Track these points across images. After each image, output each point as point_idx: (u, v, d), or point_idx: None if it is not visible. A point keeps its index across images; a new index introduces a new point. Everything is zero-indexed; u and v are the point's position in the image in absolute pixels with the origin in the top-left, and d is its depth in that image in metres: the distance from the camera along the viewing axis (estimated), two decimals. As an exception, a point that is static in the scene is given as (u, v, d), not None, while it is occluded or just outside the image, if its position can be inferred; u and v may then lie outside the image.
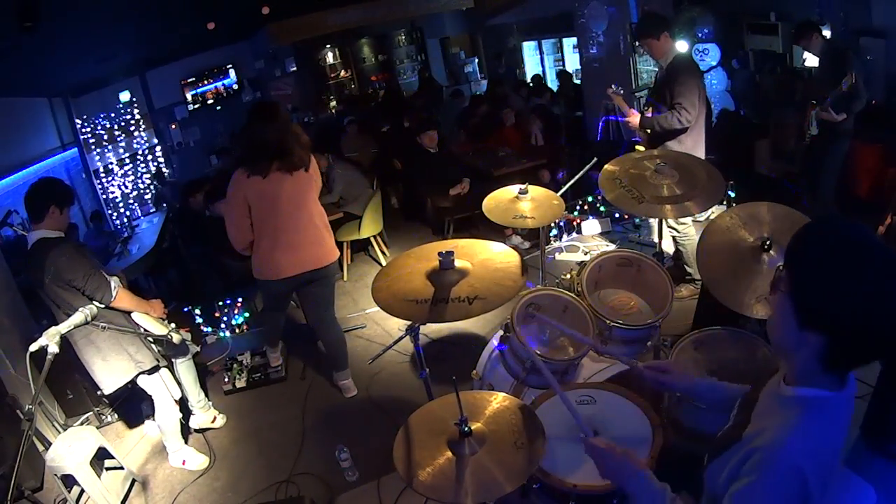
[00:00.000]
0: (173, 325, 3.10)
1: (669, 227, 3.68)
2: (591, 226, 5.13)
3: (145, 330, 2.84)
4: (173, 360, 3.19)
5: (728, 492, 1.15)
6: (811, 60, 5.25)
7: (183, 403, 3.41)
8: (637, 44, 5.85)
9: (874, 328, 1.00)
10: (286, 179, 2.99)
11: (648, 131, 3.58)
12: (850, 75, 3.53)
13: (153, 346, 2.91)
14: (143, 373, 2.91)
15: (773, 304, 1.15)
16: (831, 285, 1.02)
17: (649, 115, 3.52)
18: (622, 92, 3.73)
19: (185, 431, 3.37)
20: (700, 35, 6.02)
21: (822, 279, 1.03)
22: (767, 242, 2.16)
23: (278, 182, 2.97)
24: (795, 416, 1.11)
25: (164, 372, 3.01)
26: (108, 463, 3.04)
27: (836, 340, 1.03)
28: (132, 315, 2.86)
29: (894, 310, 0.99)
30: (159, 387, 2.99)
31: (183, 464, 3.17)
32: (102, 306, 2.69)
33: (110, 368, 2.83)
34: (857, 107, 3.75)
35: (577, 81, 8.21)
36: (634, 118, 3.63)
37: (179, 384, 3.31)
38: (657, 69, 3.67)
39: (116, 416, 3.73)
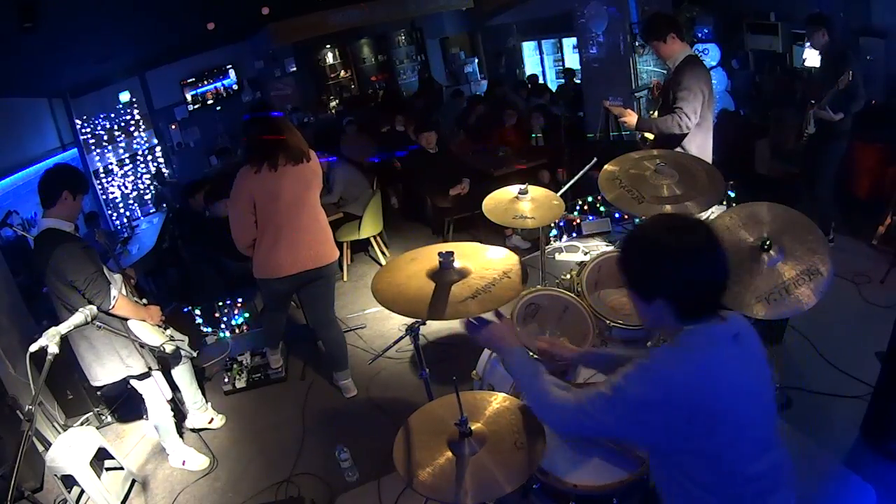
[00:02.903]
0: (170, 330, 3.08)
1: None
2: (591, 226, 5.13)
3: (139, 339, 2.81)
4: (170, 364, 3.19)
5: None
6: (811, 60, 5.24)
7: (179, 404, 3.41)
8: (637, 44, 5.86)
9: (687, 280, 1.31)
10: (290, 175, 3.00)
11: (648, 135, 3.55)
12: (847, 73, 3.51)
13: (145, 352, 2.87)
14: (133, 377, 2.91)
15: (630, 302, 1.47)
16: (649, 264, 1.36)
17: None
18: (620, 101, 3.62)
19: (183, 432, 3.37)
20: (700, 35, 6.02)
21: (641, 264, 1.38)
22: (767, 242, 2.16)
23: (283, 178, 2.98)
24: (667, 343, 1.39)
25: (157, 374, 2.99)
26: (108, 463, 3.04)
27: (673, 297, 1.33)
28: (128, 323, 2.82)
29: (697, 265, 1.31)
30: (151, 389, 2.98)
31: (183, 464, 3.17)
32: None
33: (102, 364, 2.82)
34: (855, 107, 3.74)
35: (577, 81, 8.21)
36: (632, 118, 3.51)
37: (176, 386, 3.31)
38: (665, 70, 3.61)
39: (116, 416, 3.74)
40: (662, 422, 1.29)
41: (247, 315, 4.60)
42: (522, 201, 2.94)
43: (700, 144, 3.40)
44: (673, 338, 1.36)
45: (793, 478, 1.43)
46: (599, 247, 4.86)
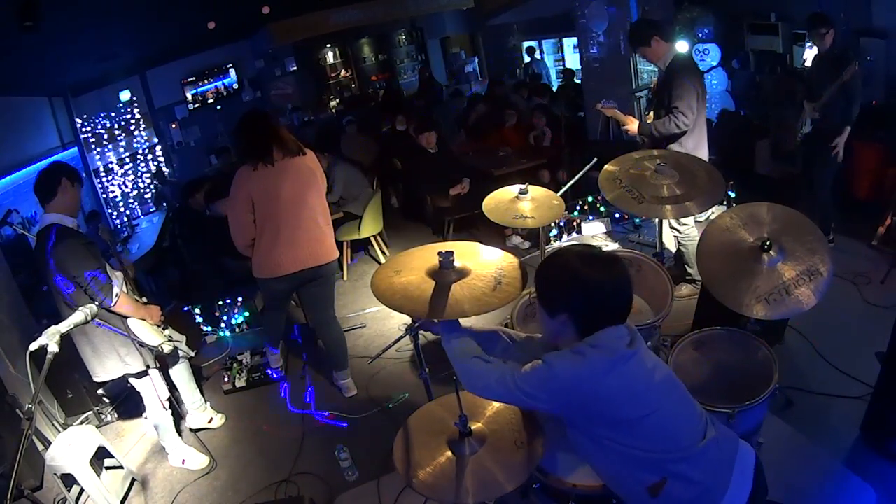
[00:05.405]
0: (169, 330, 3.08)
1: (671, 227, 3.67)
2: (591, 226, 5.13)
3: (138, 338, 2.80)
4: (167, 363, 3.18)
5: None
6: (811, 61, 5.25)
7: (178, 404, 3.41)
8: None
9: (591, 307, 1.48)
10: (289, 174, 3.00)
11: (645, 139, 3.56)
12: (853, 63, 3.51)
13: (144, 351, 2.86)
14: (131, 375, 2.91)
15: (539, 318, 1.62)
16: (560, 286, 1.52)
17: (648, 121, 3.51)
18: (614, 105, 3.70)
19: (182, 431, 3.37)
20: (700, 35, 6.02)
21: (547, 284, 1.55)
22: (767, 243, 2.16)
23: (282, 176, 2.98)
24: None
25: (154, 373, 2.98)
26: (107, 462, 3.04)
27: (574, 311, 1.49)
28: (127, 321, 2.81)
29: (591, 289, 1.48)
30: (148, 388, 2.98)
31: (183, 463, 3.17)
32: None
33: (101, 362, 2.82)
34: (855, 110, 3.74)
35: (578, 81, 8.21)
36: (633, 125, 3.58)
37: (174, 386, 3.30)
38: (657, 71, 3.64)
39: (116, 415, 3.74)
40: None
41: (247, 315, 4.59)
42: (522, 201, 2.94)
43: (695, 142, 3.44)
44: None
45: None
46: (600, 247, 4.85)
